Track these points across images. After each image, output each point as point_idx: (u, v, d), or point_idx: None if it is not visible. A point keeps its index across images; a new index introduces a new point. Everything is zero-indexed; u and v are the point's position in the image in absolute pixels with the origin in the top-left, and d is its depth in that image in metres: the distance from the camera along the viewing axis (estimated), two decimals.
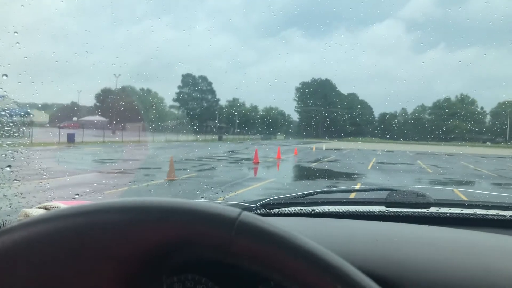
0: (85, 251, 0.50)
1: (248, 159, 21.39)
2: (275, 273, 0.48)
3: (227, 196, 9.05)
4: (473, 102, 70.57)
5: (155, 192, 9.53)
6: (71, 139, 27.04)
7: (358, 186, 12.29)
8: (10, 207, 1.83)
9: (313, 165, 19.98)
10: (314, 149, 34.12)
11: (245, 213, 0.49)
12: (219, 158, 22.17)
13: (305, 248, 0.47)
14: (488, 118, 68.71)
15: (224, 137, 52.02)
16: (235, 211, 0.50)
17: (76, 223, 0.52)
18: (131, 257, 0.50)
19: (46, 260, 0.51)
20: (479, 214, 1.44)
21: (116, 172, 13.53)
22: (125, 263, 0.50)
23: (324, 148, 36.26)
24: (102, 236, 0.50)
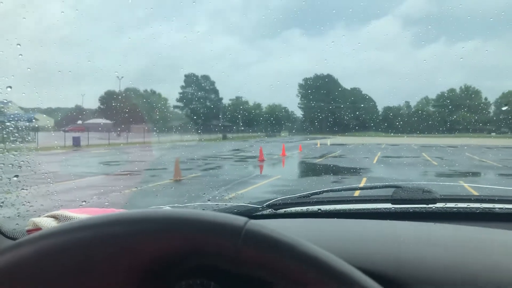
0: (92, 264, 0.51)
1: (253, 157, 21.39)
2: (281, 280, 0.48)
3: (233, 195, 9.05)
4: (477, 92, 70.31)
5: (162, 193, 9.54)
6: (76, 142, 27.13)
7: (364, 181, 12.26)
8: (18, 215, 1.84)
9: (318, 161, 19.96)
10: (319, 145, 34.07)
11: (252, 221, 0.50)
12: (224, 157, 22.18)
13: (311, 255, 0.48)
14: (492, 108, 68.44)
15: (228, 136, 52.03)
16: (241, 220, 0.50)
17: (82, 237, 0.52)
18: (139, 267, 0.51)
19: (53, 274, 0.51)
20: (485, 208, 1.44)
21: (122, 174, 13.57)
22: (134, 272, 0.51)
23: (329, 144, 36.20)
24: (108, 248, 0.51)
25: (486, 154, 24.39)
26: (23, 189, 2.27)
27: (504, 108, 62.16)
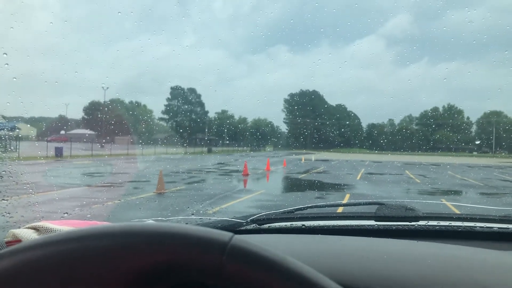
0: (75, 277, 0.50)
1: (237, 171, 21.37)
2: None
3: (217, 209, 9.00)
4: (460, 112, 71.76)
5: (145, 206, 9.44)
6: (59, 153, 26.78)
7: (347, 197, 12.30)
8: None
9: (302, 176, 20.01)
10: (303, 160, 34.19)
11: (237, 237, 0.50)
12: (209, 170, 22.11)
13: (296, 271, 0.48)
14: (474, 128, 69.90)
15: (213, 149, 51.97)
16: (226, 235, 0.50)
17: (65, 250, 0.51)
18: (122, 281, 0.50)
19: (36, 286, 0.50)
20: (467, 227, 1.45)
21: (105, 186, 13.41)
22: (117, 286, 0.50)
23: (313, 159, 36.37)
24: (91, 262, 0.50)
25: (467, 173, 24.75)
26: (3, 199, 2.23)
27: (477, 142, 64.26)
